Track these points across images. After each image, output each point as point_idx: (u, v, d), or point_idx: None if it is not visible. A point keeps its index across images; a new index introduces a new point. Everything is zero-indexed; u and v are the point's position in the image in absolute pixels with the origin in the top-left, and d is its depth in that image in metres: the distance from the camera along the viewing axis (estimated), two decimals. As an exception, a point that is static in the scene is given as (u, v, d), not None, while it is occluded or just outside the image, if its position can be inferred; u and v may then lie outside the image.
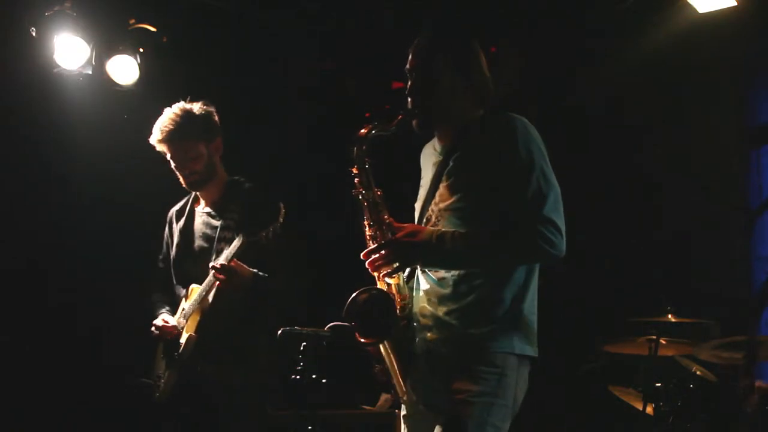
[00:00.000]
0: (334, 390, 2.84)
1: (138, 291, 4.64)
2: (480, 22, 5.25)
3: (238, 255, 3.47)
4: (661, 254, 5.33)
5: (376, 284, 2.79)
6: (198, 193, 3.83)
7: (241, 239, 3.45)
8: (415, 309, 2.78)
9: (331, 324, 2.76)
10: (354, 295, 2.73)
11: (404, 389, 2.78)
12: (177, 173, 3.77)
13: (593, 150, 5.64)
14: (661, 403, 4.43)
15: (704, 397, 4.47)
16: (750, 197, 5.34)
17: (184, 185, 3.78)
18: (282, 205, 3.37)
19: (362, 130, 2.79)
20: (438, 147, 2.88)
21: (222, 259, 3.50)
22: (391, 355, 2.74)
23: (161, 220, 4.16)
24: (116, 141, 5.12)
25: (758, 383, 4.33)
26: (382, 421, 4.64)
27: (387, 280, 2.76)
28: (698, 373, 4.58)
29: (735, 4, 4.84)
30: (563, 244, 2.60)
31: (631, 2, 4.88)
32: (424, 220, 2.80)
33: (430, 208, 2.79)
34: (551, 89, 5.67)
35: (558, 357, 5.20)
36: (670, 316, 4.39)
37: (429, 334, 2.72)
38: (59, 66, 4.81)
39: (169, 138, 3.68)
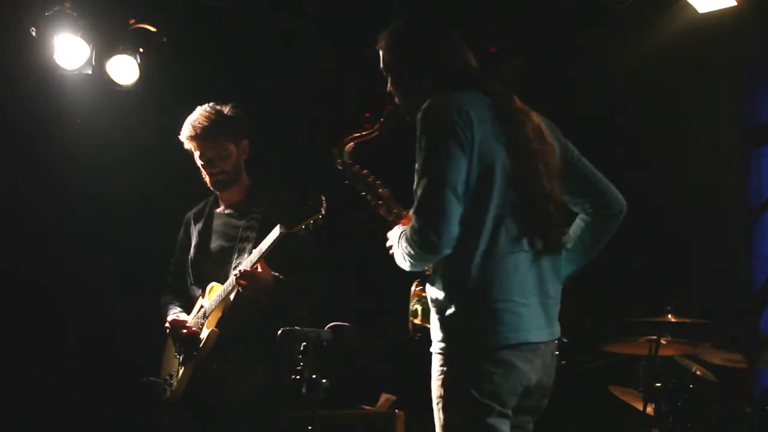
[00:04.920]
0: (334, 390, 2.83)
1: (140, 290, 4.66)
2: (476, 20, 5.26)
3: (273, 248, 3.45)
4: (661, 254, 5.33)
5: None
6: (219, 195, 3.84)
7: (279, 231, 3.42)
8: None
9: (331, 324, 2.76)
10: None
11: None
12: (203, 172, 3.78)
13: (592, 149, 5.63)
14: (661, 403, 4.43)
15: (704, 397, 4.47)
16: (750, 197, 5.34)
17: (209, 185, 3.79)
18: (324, 197, 3.35)
19: (337, 146, 2.81)
20: None
21: (246, 263, 3.50)
22: None
23: (162, 220, 4.16)
24: (116, 141, 5.12)
25: None
26: (382, 421, 4.64)
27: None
28: (698, 373, 4.58)
29: (735, 4, 4.84)
30: (424, 244, 2.47)
31: (631, 2, 4.88)
32: None
33: None
34: (550, 89, 5.67)
35: (558, 356, 5.20)
36: (670, 316, 4.39)
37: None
38: (60, 67, 4.81)
39: (201, 135, 3.70)
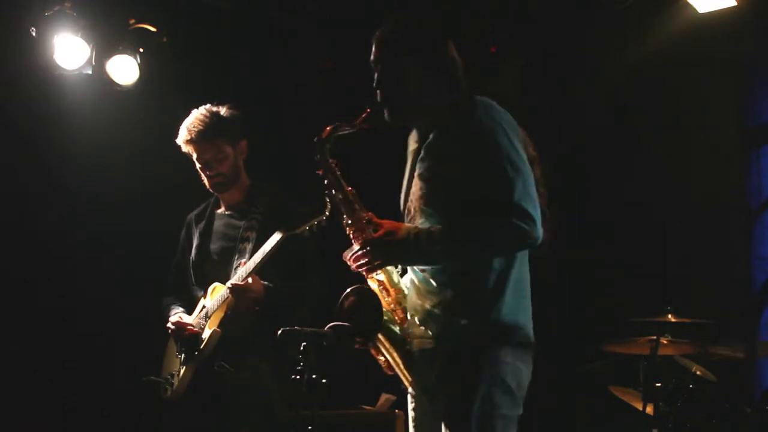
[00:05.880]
0: (334, 390, 2.84)
1: (140, 290, 4.66)
2: (480, 21, 5.26)
3: (272, 254, 3.46)
4: (661, 254, 5.33)
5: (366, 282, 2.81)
6: (219, 196, 3.85)
7: (280, 235, 3.43)
8: (408, 305, 2.78)
9: (332, 323, 2.76)
10: (341, 299, 2.75)
11: (410, 380, 2.78)
12: (201, 175, 3.79)
13: (592, 150, 5.64)
14: (661, 403, 4.43)
15: (704, 397, 4.47)
16: (750, 197, 5.34)
17: (208, 187, 3.80)
18: (328, 199, 3.34)
19: (323, 132, 2.79)
20: (416, 136, 2.87)
21: (239, 276, 3.51)
22: (391, 350, 2.75)
23: (162, 220, 4.15)
24: (116, 141, 5.12)
25: None
26: (382, 421, 4.64)
27: (377, 277, 2.77)
28: (698, 373, 4.57)
29: (735, 4, 4.84)
30: (537, 230, 2.57)
31: (631, 2, 4.88)
32: (406, 212, 2.80)
33: (409, 202, 2.78)
34: (550, 89, 5.67)
35: (558, 357, 5.20)
36: (670, 316, 4.39)
37: (421, 329, 2.72)
38: (60, 67, 4.81)
39: (197, 138, 3.70)
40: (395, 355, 2.75)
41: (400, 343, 2.75)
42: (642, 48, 5.23)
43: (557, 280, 5.34)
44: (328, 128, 2.79)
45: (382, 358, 2.81)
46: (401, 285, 2.81)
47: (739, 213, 5.37)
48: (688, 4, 4.90)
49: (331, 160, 2.80)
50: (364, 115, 2.77)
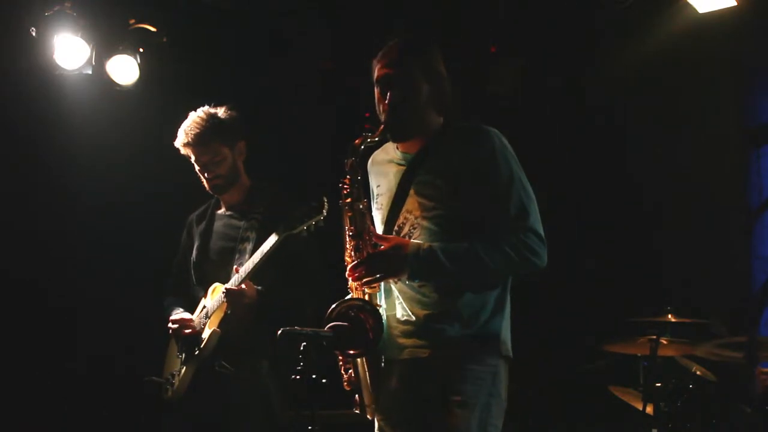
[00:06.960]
0: (334, 390, 2.84)
1: (140, 290, 4.66)
2: (478, 24, 5.26)
3: (273, 251, 3.47)
4: (661, 254, 5.32)
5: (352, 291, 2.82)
6: (219, 197, 3.85)
7: (279, 235, 3.43)
8: (390, 316, 2.78)
9: (332, 324, 2.77)
10: (337, 306, 2.75)
11: (371, 401, 2.79)
12: (200, 177, 3.80)
13: (593, 150, 5.64)
14: (661, 403, 4.43)
15: (704, 397, 4.47)
16: (750, 197, 5.34)
17: (207, 189, 3.81)
18: (326, 198, 3.35)
19: (356, 141, 2.80)
20: (397, 154, 2.88)
21: (234, 280, 3.52)
22: (365, 366, 2.75)
23: (162, 220, 4.14)
24: (116, 141, 5.12)
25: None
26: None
27: (366, 289, 2.78)
28: (698, 373, 4.58)
29: (735, 4, 4.84)
30: (546, 254, 2.68)
31: (631, 2, 4.88)
32: (396, 228, 2.80)
33: (402, 216, 2.79)
34: (550, 89, 5.67)
35: (558, 357, 5.20)
36: (670, 316, 4.39)
37: (412, 339, 2.73)
38: (60, 67, 4.81)
39: (194, 141, 3.71)
40: (368, 372, 2.76)
41: (375, 359, 2.77)
42: (642, 48, 5.23)
43: (557, 280, 5.34)
44: (358, 139, 2.81)
45: (349, 372, 2.81)
46: (376, 298, 2.82)
47: (739, 213, 5.37)
48: (688, 4, 4.90)
49: (359, 171, 2.81)
50: (380, 129, 2.79)
